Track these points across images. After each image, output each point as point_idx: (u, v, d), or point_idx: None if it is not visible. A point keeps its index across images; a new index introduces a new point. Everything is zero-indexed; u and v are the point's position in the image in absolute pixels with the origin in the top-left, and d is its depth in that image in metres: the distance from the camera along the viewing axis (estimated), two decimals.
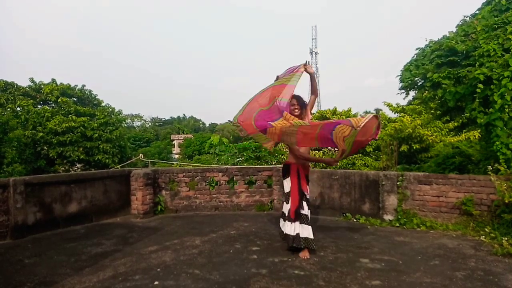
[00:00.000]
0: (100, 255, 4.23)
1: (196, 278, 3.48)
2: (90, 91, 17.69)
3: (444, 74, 5.20)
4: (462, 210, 5.04)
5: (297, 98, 4.14)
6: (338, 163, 5.70)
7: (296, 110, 4.09)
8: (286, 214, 4.16)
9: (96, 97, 17.85)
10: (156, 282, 3.37)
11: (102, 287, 3.30)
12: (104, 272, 3.65)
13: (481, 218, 4.89)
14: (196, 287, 3.26)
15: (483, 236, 4.54)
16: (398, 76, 6.07)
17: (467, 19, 6.18)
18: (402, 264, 3.80)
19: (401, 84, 6.01)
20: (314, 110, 7.33)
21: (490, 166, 4.73)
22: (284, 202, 4.24)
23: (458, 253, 4.13)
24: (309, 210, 4.15)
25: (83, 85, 17.52)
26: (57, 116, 13.61)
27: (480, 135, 6.93)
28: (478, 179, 4.99)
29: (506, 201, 4.40)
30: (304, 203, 4.12)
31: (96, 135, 13.73)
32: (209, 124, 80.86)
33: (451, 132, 10.19)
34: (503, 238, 4.20)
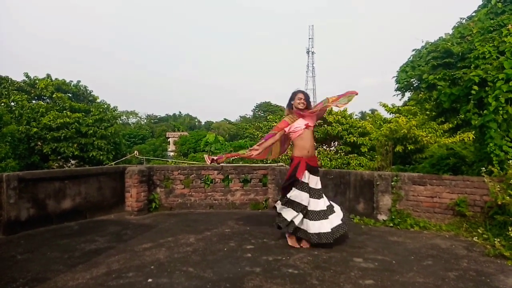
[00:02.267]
0: (94, 252, 4.21)
1: (190, 275, 3.48)
2: (85, 86, 17.54)
3: (440, 76, 5.23)
4: (456, 211, 5.07)
5: (304, 94, 4.62)
6: (333, 163, 5.82)
7: (301, 104, 4.53)
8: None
9: (91, 93, 17.71)
10: (149, 280, 3.37)
11: (96, 284, 3.28)
12: (97, 269, 3.63)
13: (474, 219, 4.92)
14: (190, 285, 3.25)
15: (476, 237, 4.57)
16: (394, 77, 6.09)
17: (463, 21, 6.20)
18: (395, 264, 3.83)
19: (397, 85, 6.02)
20: None
21: (483, 168, 4.76)
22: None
23: (451, 253, 4.16)
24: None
25: (78, 81, 17.37)
26: (51, 111, 13.50)
27: (474, 137, 6.98)
28: (472, 181, 5.02)
29: (499, 203, 4.43)
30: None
31: (91, 131, 13.63)
32: (205, 122, 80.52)
33: (446, 134, 10.28)
34: (495, 239, 4.24)
